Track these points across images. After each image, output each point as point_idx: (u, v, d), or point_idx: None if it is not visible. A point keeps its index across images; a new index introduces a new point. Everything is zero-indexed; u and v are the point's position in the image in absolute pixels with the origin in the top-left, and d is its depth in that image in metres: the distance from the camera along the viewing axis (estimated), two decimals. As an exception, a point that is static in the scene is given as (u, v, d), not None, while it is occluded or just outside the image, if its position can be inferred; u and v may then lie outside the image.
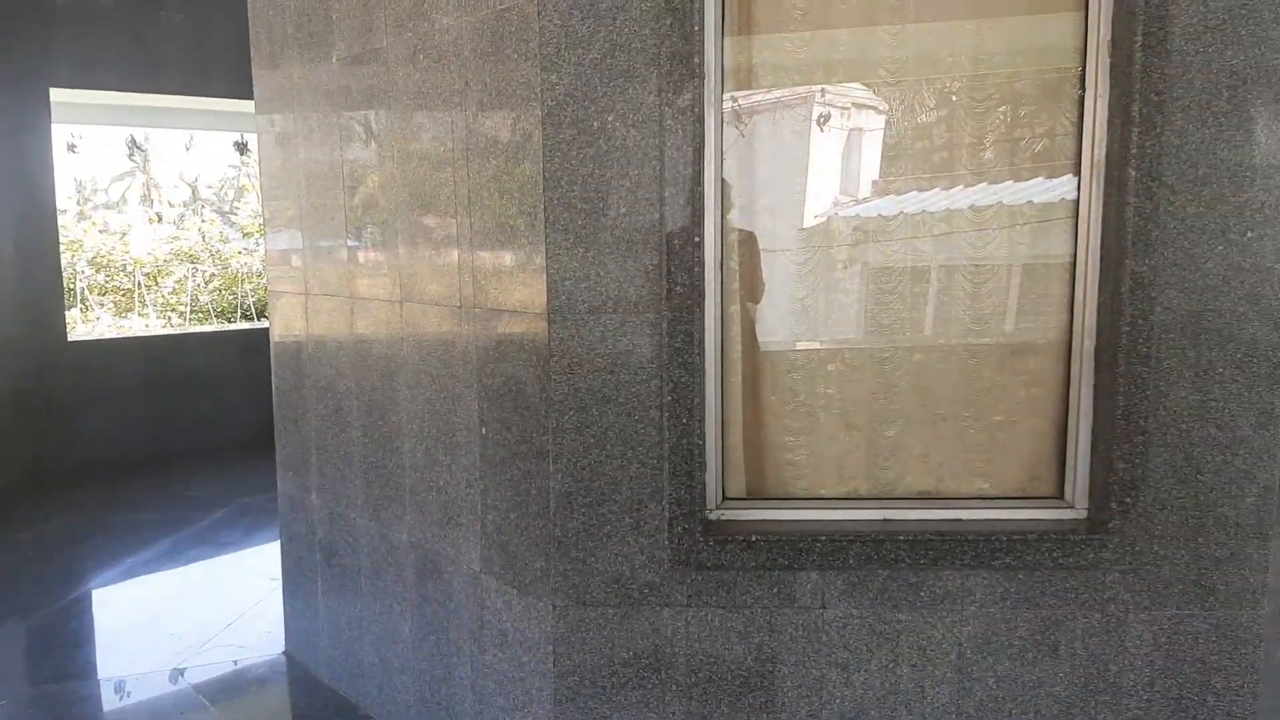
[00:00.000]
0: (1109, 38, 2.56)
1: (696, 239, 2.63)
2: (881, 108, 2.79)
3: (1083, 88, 2.63)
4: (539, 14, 2.58)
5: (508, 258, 2.79)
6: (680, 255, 2.62)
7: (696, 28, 2.56)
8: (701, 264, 2.65)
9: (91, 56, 7.28)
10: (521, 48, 2.65)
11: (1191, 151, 2.49)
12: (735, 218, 2.81)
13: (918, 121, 2.78)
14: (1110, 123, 2.57)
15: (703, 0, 2.58)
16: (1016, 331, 2.79)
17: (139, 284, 11.83)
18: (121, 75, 7.44)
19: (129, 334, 9.10)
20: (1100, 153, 2.60)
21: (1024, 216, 2.76)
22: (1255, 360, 2.53)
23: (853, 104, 2.84)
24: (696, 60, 2.57)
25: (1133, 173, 2.50)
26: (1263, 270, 2.52)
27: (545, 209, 2.64)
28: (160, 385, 7.91)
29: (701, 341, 2.68)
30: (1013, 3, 2.71)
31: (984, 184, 2.77)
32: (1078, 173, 2.66)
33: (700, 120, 2.61)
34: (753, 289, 2.87)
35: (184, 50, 7.62)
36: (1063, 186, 2.71)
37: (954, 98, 2.75)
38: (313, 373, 3.78)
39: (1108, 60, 2.57)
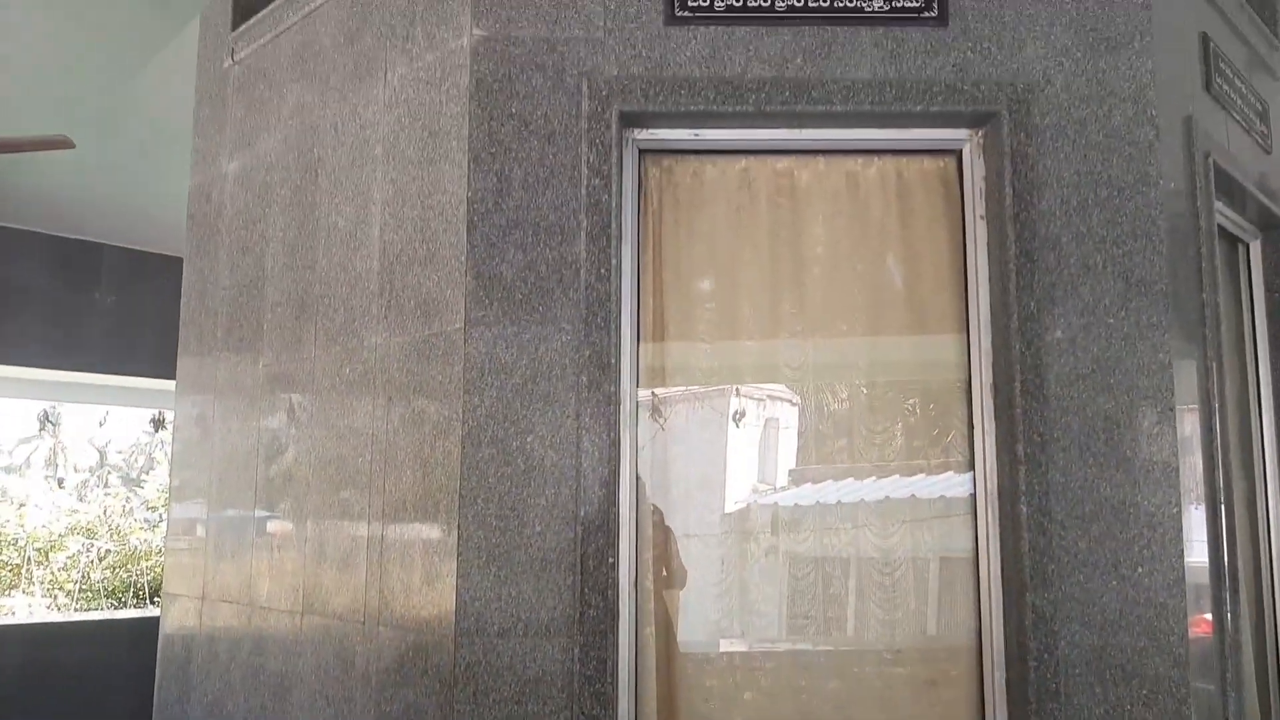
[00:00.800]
0: (990, 381, 2.78)
1: (611, 560, 2.63)
2: (794, 401, 2.92)
3: (971, 424, 2.82)
4: (465, 341, 2.71)
5: (418, 574, 2.74)
6: (595, 576, 2.61)
7: (613, 360, 2.70)
8: (616, 586, 2.64)
9: (13, 333, 7.30)
10: (446, 370, 2.75)
11: (1077, 490, 2.64)
12: (653, 517, 2.83)
13: (824, 421, 2.91)
14: (999, 458, 2.73)
15: (620, 335, 2.74)
16: (932, 661, 2.79)
17: (29, 559, 11.16)
18: (43, 352, 7.44)
19: (5, 622, 8.45)
20: (993, 486, 2.74)
21: (929, 511, 2.84)
22: (1160, 697, 2.56)
23: (767, 396, 2.98)
24: (612, 389, 2.69)
25: (1024, 509, 2.62)
26: (1157, 605, 2.60)
27: (459, 526, 2.64)
28: (33, 681, 7.24)
29: (615, 669, 2.60)
30: (901, 323, 2.94)
31: (895, 477, 2.87)
32: (974, 508, 2.79)
33: (616, 444, 2.69)
34: (670, 579, 2.84)
35: (109, 330, 7.69)
36: (963, 486, 2.81)
37: (863, 392, 2.90)
38: (200, 686, 3.53)
39: (991, 402, 2.77)
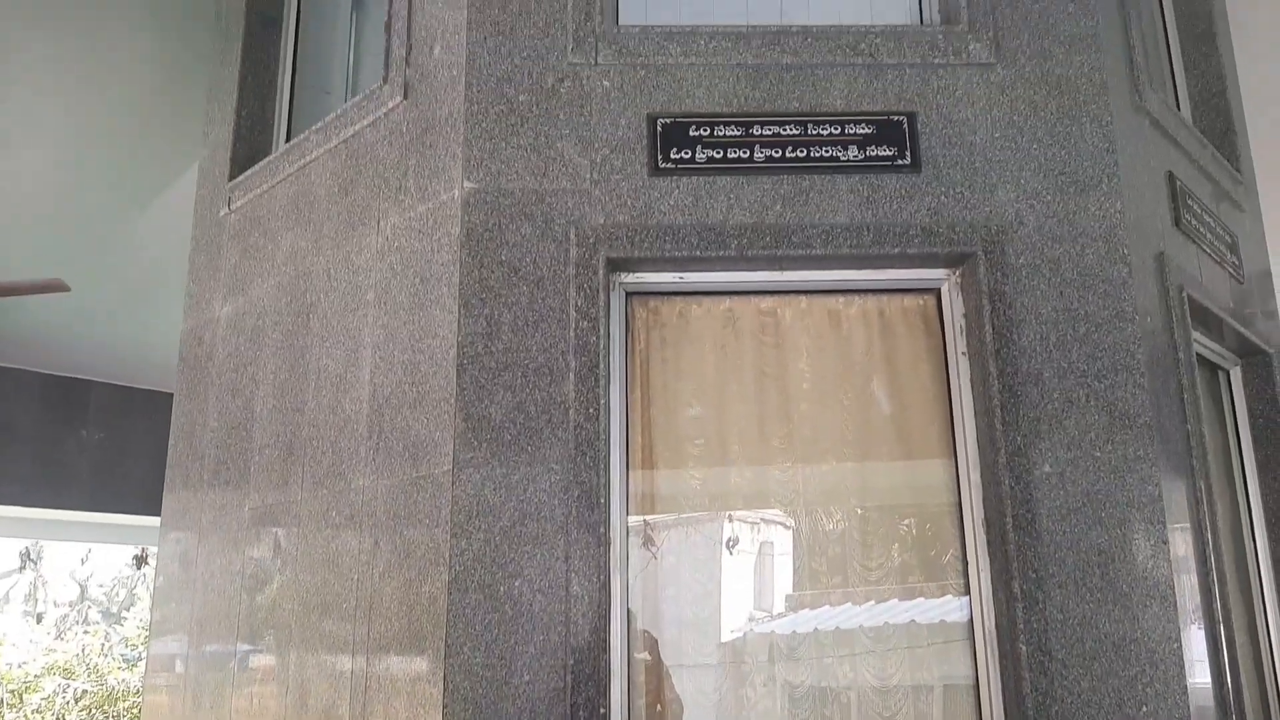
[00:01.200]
0: (982, 516, 2.76)
1: (603, 710, 2.56)
2: (788, 524, 2.89)
3: (965, 559, 2.79)
4: (453, 484, 2.70)
5: (403, 728, 2.65)
6: (585, 728, 2.53)
7: (602, 500, 2.68)
8: (606, 738, 2.55)
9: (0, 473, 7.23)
10: (434, 514, 2.73)
11: (1075, 626, 2.60)
12: (645, 653, 2.75)
13: (817, 555, 2.87)
14: (995, 595, 2.70)
15: (609, 475, 2.74)
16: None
17: (2, 701, 10.77)
18: (28, 490, 7.36)
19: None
20: (990, 624, 2.69)
21: (929, 637, 2.78)
22: None
23: (761, 520, 2.95)
24: (602, 530, 2.67)
25: (1024, 648, 2.57)
26: (1165, 748, 2.53)
27: (446, 675, 2.57)
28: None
29: (606, 830, 2.49)
30: (891, 449, 2.94)
31: (893, 601, 2.81)
32: (972, 634, 2.73)
33: (606, 587, 2.65)
34: (664, 716, 2.74)
35: (95, 467, 7.63)
36: (961, 610, 2.76)
37: (860, 512, 2.87)
38: None
39: (984, 536, 2.75)
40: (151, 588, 4.15)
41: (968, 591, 2.76)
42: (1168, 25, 4.16)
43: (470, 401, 2.74)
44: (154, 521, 4.09)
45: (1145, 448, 2.74)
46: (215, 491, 3.63)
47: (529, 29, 2.99)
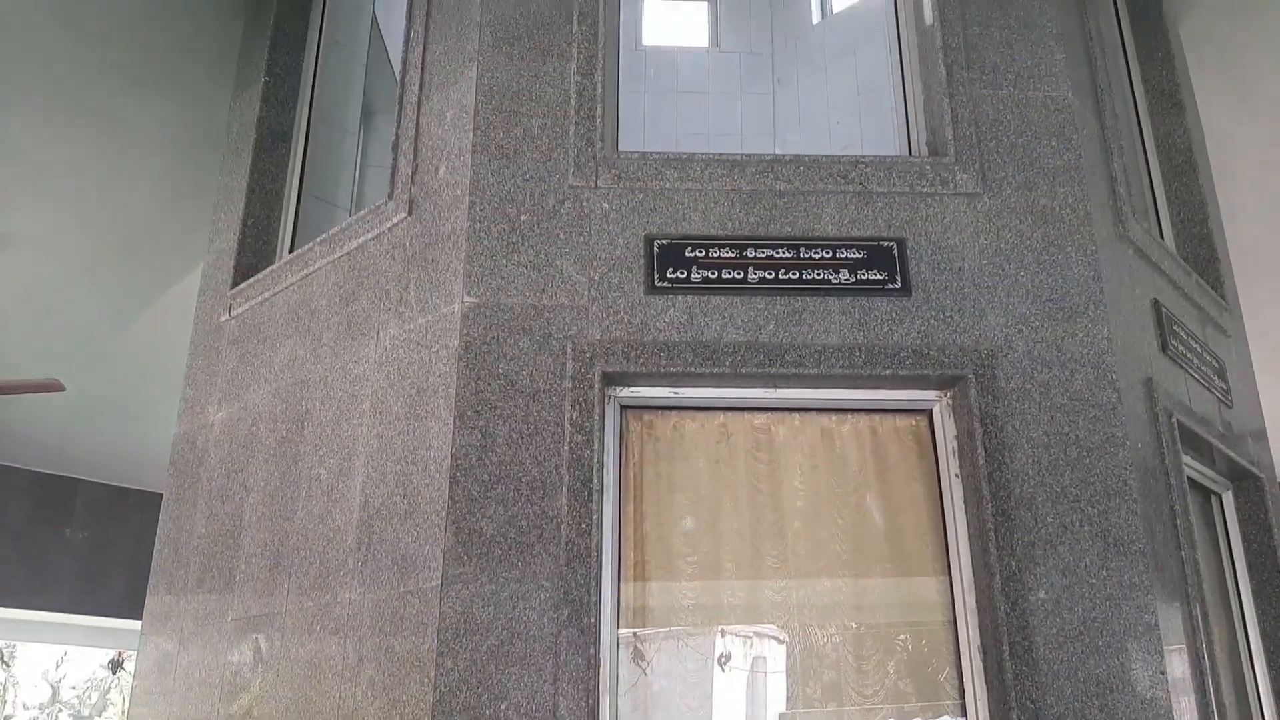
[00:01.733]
0: (978, 643, 2.72)
1: (587, 842, 2.46)
2: (781, 639, 2.83)
3: (962, 689, 2.73)
4: (441, 600, 2.66)
5: None
6: None
7: (592, 620, 2.65)
8: None
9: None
10: (420, 630, 2.68)
11: (1076, 762, 2.53)
12: None
13: (810, 662, 2.82)
14: (993, 726, 2.64)
15: (600, 594, 2.70)
16: None
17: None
18: (8, 590, 7.21)
19: None
20: (991, 757, 2.62)
21: None
22: None
23: (754, 635, 2.89)
24: (592, 652, 2.62)
25: (1024, 784, 2.50)
26: None
27: (426, 803, 2.48)
28: None
29: None
30: (885, 567, 2.92)
31: None
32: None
33: (594, 711, 2.59)
34: None
35: (76, 568, 7.51)
36: None
37: (854, 628, 2.83)
38: None
39: (980, 665, 2.70)
40: (126, 693, 4.04)
41: (964, 713, 2.71)
42: (1149, 157, 4.31)
43: (462, 515, 2.73)
44: (133, 625, 4.01)
45: (1140, 575, 2.72)
46: (199, 598, 3.56)
47: (532, 153, 3.09)
